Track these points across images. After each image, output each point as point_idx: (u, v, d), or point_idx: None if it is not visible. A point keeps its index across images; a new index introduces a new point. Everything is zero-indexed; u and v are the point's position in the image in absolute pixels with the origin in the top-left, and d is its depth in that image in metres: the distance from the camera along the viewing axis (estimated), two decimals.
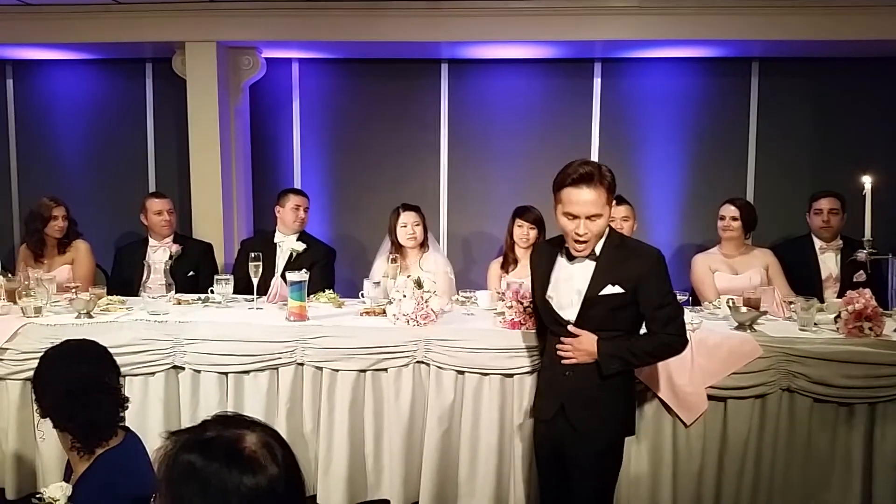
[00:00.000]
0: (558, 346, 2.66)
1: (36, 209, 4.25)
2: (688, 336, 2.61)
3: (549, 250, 2.76)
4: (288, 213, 4.35)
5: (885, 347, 3.08)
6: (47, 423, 2.06)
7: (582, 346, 2.61)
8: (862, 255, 3.39)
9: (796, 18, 4.64)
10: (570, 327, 2.62)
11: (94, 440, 1.99)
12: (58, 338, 3.10)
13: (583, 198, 2.50)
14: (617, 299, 2.56)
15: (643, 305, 2.56)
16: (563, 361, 2.64)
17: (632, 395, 2.77)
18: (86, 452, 1.98)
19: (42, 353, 2.12)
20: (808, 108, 5.28)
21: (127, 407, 2.09)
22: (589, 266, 2.61)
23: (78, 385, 1.98)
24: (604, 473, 2.68)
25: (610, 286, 2.56)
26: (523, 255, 4.24)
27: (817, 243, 4.34)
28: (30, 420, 3.25)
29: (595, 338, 2.58)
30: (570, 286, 2.64)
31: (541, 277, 2.75)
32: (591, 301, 2.59)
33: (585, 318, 2.62)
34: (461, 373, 3.22)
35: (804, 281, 4.17)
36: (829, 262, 4.31)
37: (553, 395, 2.73)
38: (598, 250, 2.61)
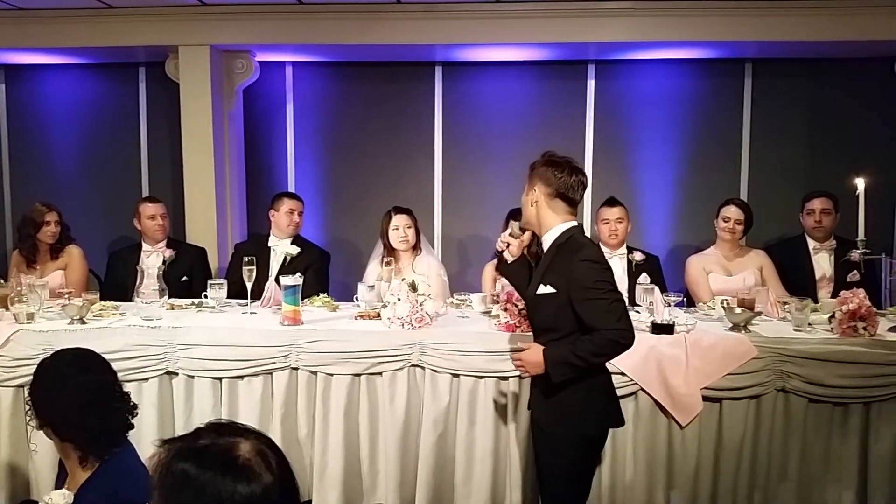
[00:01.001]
0: (513, 359, 2.68)
1: (28, 214, 4.23)
2: (627, 327, 2.45)
3: None
4: (282, 218, 4.34)
5: (880, 347, 3.09)
6: (40, 435, 2.04)
7: (529, 359, 2.57)
8: (855, 255, 3.40)
9: (789, 20, 4.65)
10: (519, 343, 2.65)
11: (107, 448, 1.99)
12: (50, 344, 3.11)
13: None
14: (552, 299, 2.53)
15: (574, 304, 2.47)
16: (521, 373, 2.67)
17: (596, 392, 2.60)
18: (97, 460, 1.97)
19: (38, 365, 2.09)
20: (802, 109, 5.29)
21: (136, 413, 2.08)
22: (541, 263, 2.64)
23: (93, 394, 1.98)
24: (565, 472, 2.62)
25: (542, 286, 2.56)
26: None
27: (811, 244, 4.35)
28: (23, 427, 3.23)
29: (540, 348, 2.55)
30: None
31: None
32: (532, 301, 2.63)
33: (535, 319, 2.67)
34: (456, 376, 3.22)
35: (798, 281, 4.18)
36: (822, 263, 4.32)
37: (531, 398, 2.76)
38: (546, 247, 2.62)
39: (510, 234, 2.85)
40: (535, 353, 2.56)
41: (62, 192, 5.36)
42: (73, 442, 1.97)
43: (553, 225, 2.60)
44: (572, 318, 2.50)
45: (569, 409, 2.55)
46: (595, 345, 2.45)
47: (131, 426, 2.06)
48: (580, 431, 2.58)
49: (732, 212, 4.14)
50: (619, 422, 2.72)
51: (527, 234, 2.84)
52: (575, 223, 2.62)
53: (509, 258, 2.86)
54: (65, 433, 1.96)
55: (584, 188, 2.64)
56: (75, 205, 5.08)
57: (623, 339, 2.45)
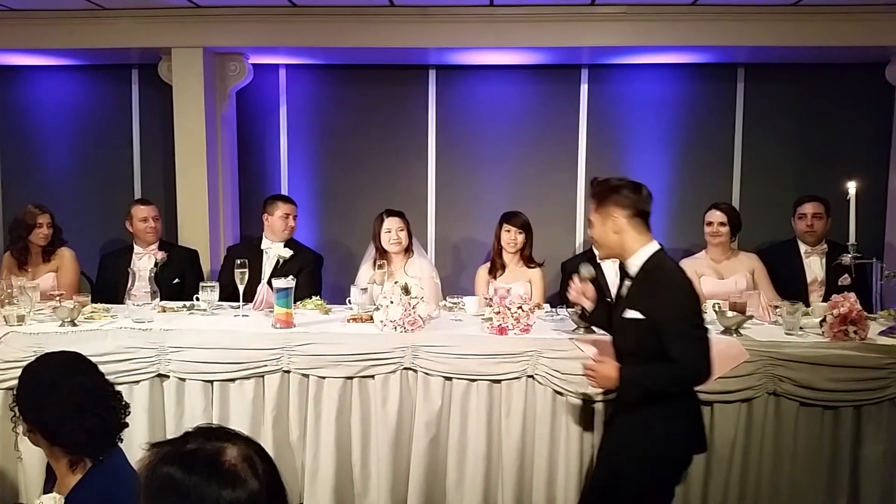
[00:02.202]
0: (585, 368, 2.68)
1: (20, 216, 4.22)
2: (707, 367, 2.48)
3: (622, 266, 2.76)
4: (277, 222, 4.33)
5: (870, 351, 3.10)
6: (25, 441, 2.03)
7: (602, 372, 2.59)
8: (846, 259, 3.41)
9: (781, 25, 4.67)
10: (593, 354, 2.67)
11: (105, 447, 1.98)
12: (41, 346, 3.10)
13: None
14: (640, 325, 2.54)
15: (660, 335, 2.49)
16: (589, 385, 2.67)
17: (682, 415, 2.61)
18: (91, 461, 1.96)
19: (24, 370, 2.07)
20: (794, 114, 5.31)
21: (129, 412, 2.08)
22: (626, 286, 2.64)
23: (89, 395, 1.97)
24: (648, 491, 2.62)
25: (630, 311, 2.57)
26: (511, 260, 4.25)
27: (802, 248, 4.36)
28: (11, 430, 3.21)
29: (616, 365, 2.56)
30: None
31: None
32: (619, 324, 2.64)
33: (619, 341, 2.67)
34: (449, 379, 3.22)
35: (790, 285, 4.19)
36: (814, 267, 4.34)
37: (613, 402, 2.80)
38: (633, 271, 2.61)
39: (582, 280, 2.86)
40: (609, 369, 2.57)
41: (54, 194, 5.34)
42: (65, 446, 1.96)
43: (638, 248, 2.59)
44: (657, 343, 2.50)
45: (654, 428, 2.56)
46: (673, 376, 2.51)
47: (126, 425, 2.06)
48: (665, 453, 2.59)
49: (716, 216, 4.16)
50: (703, 447, 2.73)
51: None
52: (658, 245, 2.61)
53: (588, 304, 2.88)
54: (60, 436, 1.94)
55: (652, 199, 2.64)
56: (67, 207, 5.06)
57: (700, 377, 2.51)
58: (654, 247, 2.60)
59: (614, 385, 2.57)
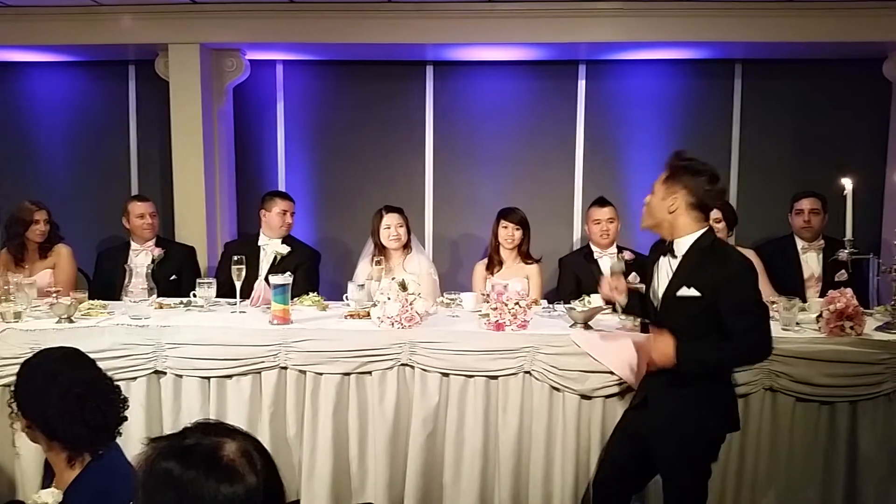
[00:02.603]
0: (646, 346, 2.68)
1: (17, 213, 4.20)
2: (770, 344, 2.52)
3: (660, 245, 2.74)
4: (274, 218, 4.32)
5: (866, 346, 3.11)
6: (23, 437, 2.03)
7: (659, 348, 2.54)
8: (843, 254, 3.41)
9: (779, 21, 4.67)
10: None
11: (105, 441, 1.98)
12: (38, 343, 3.09)
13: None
14: (695, 302, 2.52)
15: (723, 313, 2.48)
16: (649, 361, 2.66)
17: (717, 389, 2.64)
18: (91, 456, 1.96)
19: (23, 365, 2.07)
20: (791, 110, 5.31)
21: (129, 405, 2.08)
22: (672, 265, 2.62)
23: (89, 388, 1.97)
24: (689, 468, 2.65)
25: (685, 288, 2.54)
26: (508, 257, 4.26)
27: (799, 243, 4.37)
28: (8, 427, 3.21)
29: (672, 340, 2.52)
30: (659, 283, 2.68)
31: (648, 272, 2.79)
32: (668, 301, 2.60)
33: (668, 317, 2.62)
34: (446, 375, 3.22)
35: (787, 281, 4.20)
36: (811, 262, 4.35)
37: (643, 386, 2.79)
38: (681, 251, 2.59)
39: (613, 275, 2.86)
40: (666, 344, 2.52)
41: (51, 190, 5.33)
42: (65, 440, 1.95)
43: (689, 231, 2.58)
44: (710, 322, 2.50)
45: (707, 405, 2.59)
46: (738, 355, 2.56)
47: (125, 418, 2.06)
48: (702, 431, 2.62)
49: (711, 213, 4.15)
50: (736, 426, 2.74)
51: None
52: (708, 227, 2.61)
53: (622, 299, 2.87)
54: (59, 431, 1.94)
55: (722, 199, 2.67)
56: (64, 203, 5.05)
57: (762, 354, 2.56)
58: (705, 228, 2.59)
59: (669, 362, 2.51)
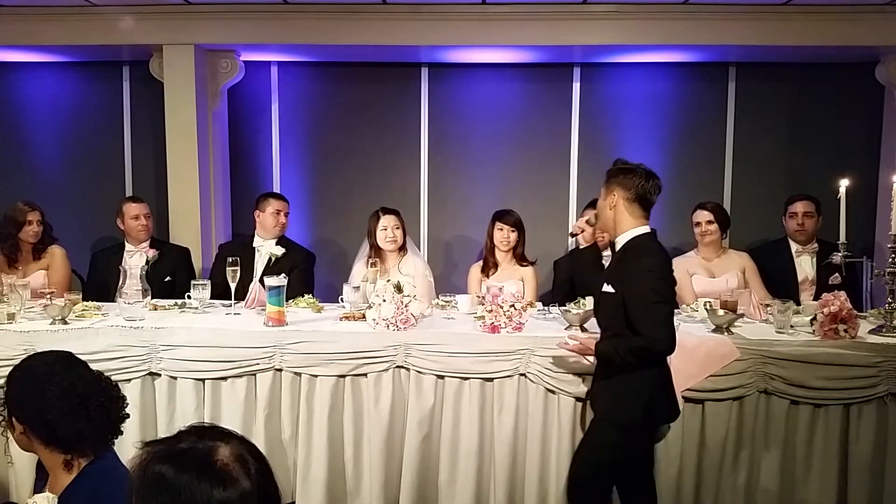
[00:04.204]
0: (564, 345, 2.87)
1: (10, 214, 4.18)
2: (665, 337, 2.63)
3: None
4: (268, 218, 4.32)
5: (860, 349, 3.12)
6: (14, 445, 2.00)
7: (586, 342, 2.80)
8: (837, 257, 3.43)
9: (772, 24, 4.69)
10: (573, 331, 2.94)
11: (108, 440, 1.96)
12: (31, 345, 3.08)
13: None
14: (611, 299, 2.72)
15: (626, 305, 2.66)
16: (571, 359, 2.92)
17: (646, 383, 2.74)
18: (86, 459, 1.93)
19: (14, 369, 2.01)
20: (785, 113, 5.33)
21: (128, 403, 2.06)
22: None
23: (91, 386, 1.94)
24: (595, 448, 2.84)
25: (606, 285, 2.75)
26: (503, 259, 4.26)
27: (793, 246, 4.39)
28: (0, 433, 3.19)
29: (595, 339, 2.79)
30: None
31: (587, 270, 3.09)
32: (598, 297, 2.82)
33: (598, 316, 2.90)
34: (441, 377, 3.22)
35: (781, 284, 4.21)
36: (805, 265, 4.36)
37: (592, 386, 3.00)
38: (617, 248, 2.80)
39: (587, 222, 3.08)
40: (591, 340, 2.81)
41: (45, 191, 5.30)
42: (65, 441, 1.91)
43: (627, 229, 2.76)
44: (624, 318, 2.68)
45: (619, 395, 2.74)
46: (631, 348, 2.66)
47: (128, 415, 2.04)
48: (626, 417, 2.75)
49: (703, 215, 4.18)
50: (669, 416, 2.90)
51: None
52: (647, 229, 2.77)
53: (582, 242, 3.10)
54: (61, 432, 1.89)
55: (660, 191, 2.80)
56: (58, 204, 5.03)
57: (657, 347, 2.65)
58: (643, 229, 2.74)
59: (588, 353, 2.80)
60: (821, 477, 3.16)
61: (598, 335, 2.88)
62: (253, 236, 4.42)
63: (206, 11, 4.82)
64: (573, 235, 3.41)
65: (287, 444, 3.30)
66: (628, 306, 2.65)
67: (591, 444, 2.90)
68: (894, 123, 5.07)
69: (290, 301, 3.70)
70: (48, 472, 2.01)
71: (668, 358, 3.08)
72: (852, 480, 3.14)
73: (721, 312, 3.33)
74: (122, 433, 2.02)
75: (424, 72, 5.43)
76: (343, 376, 3.24)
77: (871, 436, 3.12)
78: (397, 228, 4.15)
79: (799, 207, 4.33)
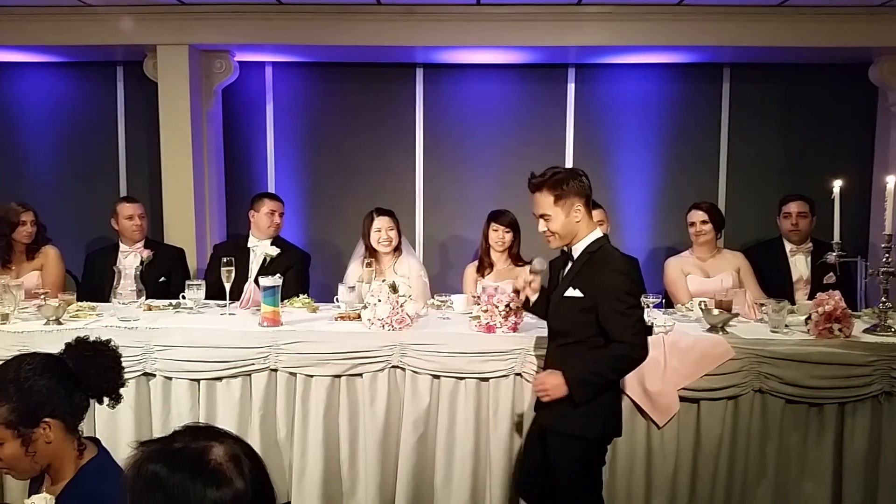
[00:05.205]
0: (533, 384, 2.73)
1: (3, 214, 4.15)
2: (641, 343, 2.60)
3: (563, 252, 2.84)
4: (263, 218, 4.31)
5: (854, 348, 3.13)
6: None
7: (551, 381, 2.64)
8: (831, 257, 3.44)
9: (766, 25, 4.71)
10: (536, 374, 2.69)
11: (114, 389, 1.93)
12: (26, 345, 3.07)
13: (533, 201, 2.76)
14: (577, 303, 2.65)
15: (598, 311, 2.60)
16: (541, 398, 2.70)
17: (604, 399, 2.70)
18: (97, 451, 1.92)
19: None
20: (778, 114, 5.35)
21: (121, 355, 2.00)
22: (567, 269, 2.75)
23: (59, 357, 1.89)
24: (574, 471, 2.74)
25: (571, 289, 2.67)
26: (499, 259, 4.25)
27: (788, 246, 4.40)
28: None
29: (559, 372, 2.64)
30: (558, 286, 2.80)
31: (553, 276, 2.89)
32: (557, 303, 2.73)
33: (554, 321, 2.77)
34: (437, 377, 3.22)
35: (775, 283, 4.22)
36: (799, 265, 4.37)
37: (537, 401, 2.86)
38: (577, 254, 2.72)
39: (532, 272, 2.91)
40: (555, 377, 2.64)
41: (38, 191, 5.29)
42: (66, 417, 1.87)
43: (586, 234, 2.72)
44: (591, 324, 2.63)
45: (571, 408, 2.64)
46: (609, 359, 2.61)
47: (122, 384, 1.98)
48: (582, 431, 2.68)
49: (697, 215, 4.19)
50: (617, 431, 2.83)
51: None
52: (600, 232, 2.75)
53: (533, 296, 2.92)
54: (60, 408, 1.83)
55: None
56: (52, 205, 5.01)
57: (634, 354, 2.61)
58: (598, 233, 2.74)
59: (564, 391, 2.62)
60: (815, 475, 3.18)
61: (543, 365, 2.79)
62: (248, 236, 4.41)
63: (200, 11, 4.81)
64: (517, 292, 3.13)
65: (282, 445, 3.30)
66: (602, 311, 2.59)
67: (566, 468, 2.75)
68: (887, 124, 5.10)
69: (286, 301, 3.69)
70: (47, 475, 2.00)
71: (663, 357, 3.10)
72: (847, 479, 3.15)
73: (716, 312, 3.33)
74: (122, 385, 1.96)
75: (419, 72, 5.43)
76: (338, 376, 3.24)
77: (865, 434, 3.13)
78: (391, 230, 4.14)
79: (793, 207, 4.34)
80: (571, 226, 2.69)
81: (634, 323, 2.59)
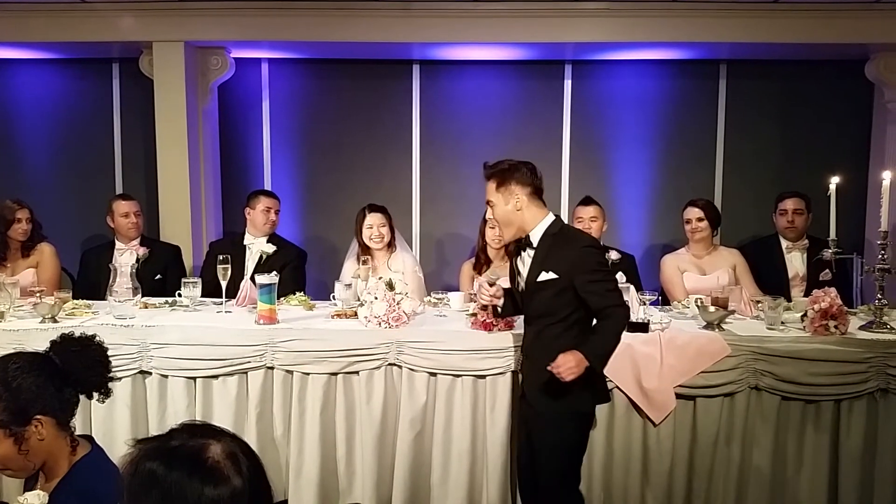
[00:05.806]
0: (554, 369, 2.65)
1: None
2: (625, 304, 2.75)
3: (519, 242, 2.89)
4: (258, 216, 4.30)
5: (850, 345, 3.14)
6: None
7: (570, 361, 2.61)
8: (827, 254, 3.45)
9: (763, 22, 4.71)
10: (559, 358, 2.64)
11: (103, 383, 1.92)
12: (21, 343, 3.05)
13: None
14: (553, 285, 2.71)
15: (580, 290, 2.67)
16: (566, 378, 2.63)
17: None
18: (90, 447, 1.91)
19: None
20: (775, 110, 5.35)
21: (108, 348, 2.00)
22: (530, 255, 2.80)
23: (43, 354, 1.88)
24: (562, 447, 2.79)
25: (543, 273, 2.73)
26: (495, 256, 4.24)
27: (784, 243, 4.40)
28: None
29: (575, 352, 2.62)
30: (523, 274, 2.86)
31: (512, 269, 2.96)
32: (532, 288, 2.77)
33: (531, 306, 2.82)
34: (433, 375, 3.22)
35: (771, 280, 4.23)
36: (795, 262, 4.38)
37: (522, 381, 2.97)
38: (535, 240, 2.78)
39: (490, 284, 2.99)
40: (574, 354, 2.62)
41: (33, 189, 5.27)
42: (57, 413, 1.87)
43: (539, 220, 2.78)
44: (570, 301, 2.71)
45: (562, 387, 2.64)
46: (615, 324, 2.68)
47: (111, 378, 1.98)
48: (575, 407, 2.75)
49: (693, 212, 4.18)
50: (606, 397, 2.92)
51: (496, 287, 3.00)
52: (553, 216, 2.81)
53: (500, 302, 3.00)
54: (49, 408, 1.83)
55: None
56: (47, 202, 5.00)
57: (627, 315, 2.75)
58: (551, 217, 2.80)
59: (585, 364, 2.62)
60: (812, 472, 3.18)
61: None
62: (244, 234, 4.40)
63: (196, 8, 4.80)
64: (484, 308, 3.22)
65: (279, 442, 3.30)
66: (584, 286, 2.66)
67: (554, 443, 2.79)
68: (884, 120, 5.10)
69: (282, 299, 3.69)
70: (41, 472, 1.99)
71: (659, 354, 3.11)
72: (843, 475, 3.16)
73: (712, 309, 3.34)
74: (112, 380, 1.96)
75: (416, 69, 5.42)
76: (335, 374, 3.24)
77: (861, 431, 3.14)
78: (383, 226, 4.13)
79: (789, 204, 4.35)
80: (512, 214, 2.77)
81: (615, 288, 2.72)
